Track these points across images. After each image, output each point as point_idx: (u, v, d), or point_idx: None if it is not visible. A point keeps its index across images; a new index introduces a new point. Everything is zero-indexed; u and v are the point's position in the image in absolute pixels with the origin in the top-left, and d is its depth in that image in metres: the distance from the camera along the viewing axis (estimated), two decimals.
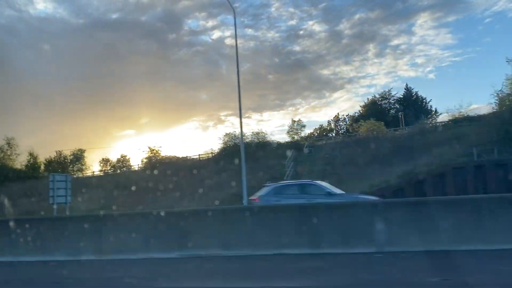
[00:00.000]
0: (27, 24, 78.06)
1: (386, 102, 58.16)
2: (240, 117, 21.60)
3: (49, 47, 79.21)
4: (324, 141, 35.49)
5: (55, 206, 22.05)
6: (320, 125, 57.70)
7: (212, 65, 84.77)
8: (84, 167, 46.57)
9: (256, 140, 36.05)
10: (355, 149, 28.67)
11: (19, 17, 77.86)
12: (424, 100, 60.60)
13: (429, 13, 79.37)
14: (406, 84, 58.13)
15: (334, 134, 54.72)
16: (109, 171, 44.35)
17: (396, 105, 56.81)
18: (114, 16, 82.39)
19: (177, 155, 41.22)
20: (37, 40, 78.47)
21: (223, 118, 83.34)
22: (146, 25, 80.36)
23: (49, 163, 47.43)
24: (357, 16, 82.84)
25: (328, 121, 60.60)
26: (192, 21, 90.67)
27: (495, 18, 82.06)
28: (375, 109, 54.06)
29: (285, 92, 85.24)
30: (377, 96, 57.62)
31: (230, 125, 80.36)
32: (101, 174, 43.05)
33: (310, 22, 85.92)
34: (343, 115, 63.78)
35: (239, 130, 21.98)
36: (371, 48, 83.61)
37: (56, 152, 47.58)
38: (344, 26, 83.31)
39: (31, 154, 47.08)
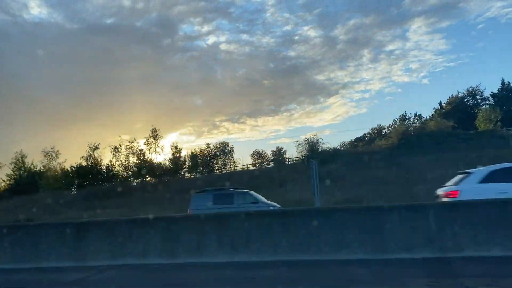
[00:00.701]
0: (21, 29, 77.65)
1: (472, 99, 53.74)
2: None
3: (43, 52, 78.65)
4: None
5: (317, 197, 20.28)
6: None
7: (207, 70, 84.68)
8: (231, 161, 45.90)
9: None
10: None
11: (13, 22, 77.41)
12: None
13: (423, 18, 78.04)
14: (502, 79, 52.68)
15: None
16: (263, 164, 43.32)
17: (487, 101, 51.94)
18: (109, 21, 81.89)
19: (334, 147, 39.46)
20: (31, 45, 77.92)
21: (217, 123, 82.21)
22: (141, 30, 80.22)
23: (193, 157, 47.09)
24: (351, 22, 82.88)
25: (394, 120, 55.80)
26: (187, 26, 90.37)
27: (488, 24, 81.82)
28: (462, 106, 50.42)
29: (280, 98, 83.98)
30: (464, 92, 53.11)
31: (225, 131, 79.53)
32: (254, 168, 42.05)
33: (305, 28, 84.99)
34: (410, 112, 61.73)
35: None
36: (366, 53, 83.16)
37: (206, 145, 47.17)
38: (339, 32, 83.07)
39: (175, 147, 46.22)
